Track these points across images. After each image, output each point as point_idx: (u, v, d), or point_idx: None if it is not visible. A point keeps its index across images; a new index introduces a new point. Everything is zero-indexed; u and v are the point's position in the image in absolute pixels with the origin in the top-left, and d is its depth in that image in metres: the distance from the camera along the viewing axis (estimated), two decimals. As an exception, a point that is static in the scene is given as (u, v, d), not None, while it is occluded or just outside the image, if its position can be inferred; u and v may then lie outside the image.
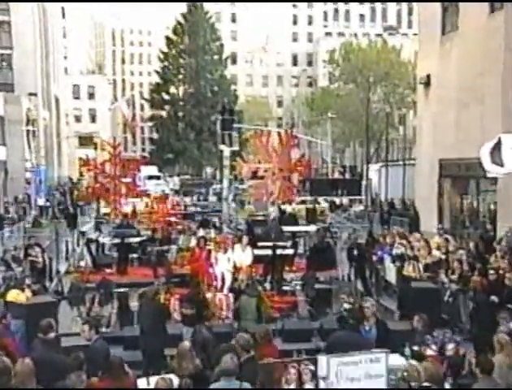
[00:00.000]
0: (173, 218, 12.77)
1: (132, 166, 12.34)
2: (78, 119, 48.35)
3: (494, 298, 6.56)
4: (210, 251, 8.38)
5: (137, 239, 10.49)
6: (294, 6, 57.01)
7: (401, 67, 33.80)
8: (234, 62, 51.48)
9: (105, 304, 7.62)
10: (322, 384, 3.75)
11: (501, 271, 7.03)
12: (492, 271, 6.98)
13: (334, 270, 9.65)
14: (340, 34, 53.17)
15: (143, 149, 60.11)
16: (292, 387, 3.93)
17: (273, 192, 10.66)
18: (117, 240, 10.23)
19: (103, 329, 6.11)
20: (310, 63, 56.32)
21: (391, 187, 21.32)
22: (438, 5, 13.73)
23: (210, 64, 38.57)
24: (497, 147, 7.10)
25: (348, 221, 16.40)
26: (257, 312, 6.39)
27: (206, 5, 40.29)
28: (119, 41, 70.68)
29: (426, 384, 3.64)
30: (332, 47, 39.80)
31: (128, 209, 12.50)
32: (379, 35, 46.44)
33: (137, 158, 28.73)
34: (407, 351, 4.76)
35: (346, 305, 6.22)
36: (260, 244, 8.91)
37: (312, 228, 11.54)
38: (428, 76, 13.98)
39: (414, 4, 35.80)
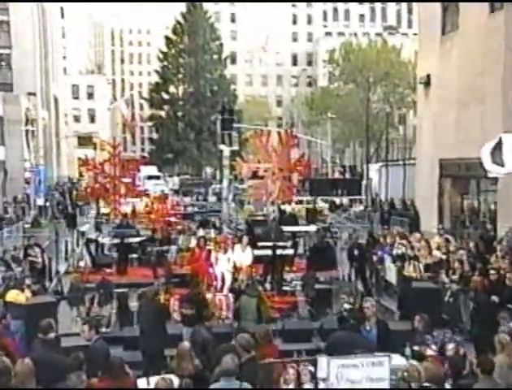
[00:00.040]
0: (173, 219, 12.74)
1: (131, 167, 12.31)
2: (77, 118, 48.31)
3: (495, 298, 6.56)
4: (210, 251, 8.37)
5: (137, 239, 10.47)
6: (294, 5, 56.99)
7: (401, 66, 33.78)
8: (233, 61, 51.45)
9: (104, 304, 7.61)
10: (321, 385, 3.74)
11: (501, 271, 7.03)
12: (492, 271, 6.98)
13: (334, 271, 9.64)
14: (340, 34, 53.15)
15: (142, 149, 60.08)
16: (290, 387, 3.91)
17: (273, 192, 10.65)
18: (117, 240, 10.21)
19: (103, 329, 6.09)
20: (309, 63, 56.30)
21: (391, 187, 21.32)
22: (438, 4, 13.72)
23: (209, 64, 38.54)
24: (498, 147, 7.10)
25: (348, 221, 16.38)
26: (257, 312, 6.37)
27: (206, 4, 40.27)
28: (118, 41, 70.63)
29: (426, 384, 3.62)
30: (332, 47, 39.78)
31: (127, 209, 12.47)
32: (378, 34, 46.43)
33: (137, 158, 28.74)
34: (408, 351, 4.74)
35: (347, 306, 6.21)
36: (260, 244, 8.89)
37: (312, 228, 11.52)
38: (428, 76, 13.97)
39: (414, 4, 35.73)
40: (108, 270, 9.82)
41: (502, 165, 7.10)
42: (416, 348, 4.82)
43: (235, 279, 7.64)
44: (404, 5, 56.09)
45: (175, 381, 3.85)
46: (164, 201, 14.19)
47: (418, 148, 15.92)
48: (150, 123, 43.49)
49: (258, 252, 8.53)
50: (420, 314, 5.18)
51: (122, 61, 70.20)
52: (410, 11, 54.32)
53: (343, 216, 18.76)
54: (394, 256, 8.97)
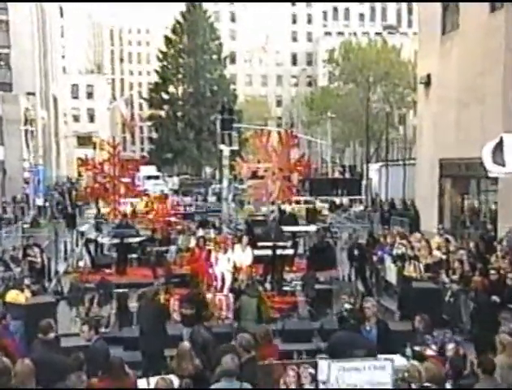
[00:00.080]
0: (173, 219, 12.71)
1: (131, 166, 12.28)
2: (76, 118, 48.26)
3: (495, 298, 6.55)
4: (209, 251, 8.36)
5: (137, 239, 10.45)
6: (293, 5, 56.94)
7: (401, 66, 33.82)
8: (233, 61, 51.40)
9: (104, 304, 7.60)
10: (322, 388, 3.71)
11: (502, 271, 7.02)
12: (493, 271, 6.97)
13: (334, 271, 9.62)
14: (340, 33, 53.15)
15: (142, 149, 60.03)
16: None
17: (273, 192, 10.63)
18: (116, 241, 10.19)
19: (102, 329, 6.06)
20: (309, 63, 56.30)
21: (391, 187, 21.30)
22: (438, 4, 13.71)
23: (209, 64, 38.50)
24: (499, 147, 7.09)
25: (348, 221, 16.36)
26: (257, 312, 6.36)
27: (205, 4, 40.21)
28: (118, 41, 70.55)
29: (427, 385, 3.61)
30: (332, 46, 39.81)
31: (126, 209, 12.43)
32: (378, 34, 46.41)
33: (136, 157, 28.70)
34: (408, 351, 4.73)
35: (347, 306, 6.19)
36: (260, 244, 8.88)
37: (312, 228, 11.51)
38: (428, 76, 13.97)
39: (414, 3, 35.76)
40: (108, 271, 9.79)
41: (503, 165, 7.09)
42: (417, 348, 4.81)
43: (235, 279, 7.63)
44: (404, 4, 56.09)
45: (176, 381, 3.84)
46: (164, 201, 14.16)
47: (418, 148, 15.91)
48: (150, 123, 43.46)
49: (257, 252, 8.52)
50: (421, 314, 5.17)
51: (121, 60, 70.12)
52: (409, 11, 54.34)
53: (343, 216, 18.73)
54: (394, 256, 8.96)
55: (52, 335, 4.36)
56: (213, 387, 3.69)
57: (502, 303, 6.52)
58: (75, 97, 48.20)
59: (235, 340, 4.35)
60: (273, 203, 11.74)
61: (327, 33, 55.72)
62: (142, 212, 13.17)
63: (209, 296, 7.07)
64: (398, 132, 34.40)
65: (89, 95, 48.76)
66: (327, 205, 20.57)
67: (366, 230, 11.89)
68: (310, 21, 57.81)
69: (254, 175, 12.16)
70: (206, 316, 5.98)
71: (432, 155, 13.87)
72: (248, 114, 40.65)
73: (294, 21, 57.78)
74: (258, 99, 51.40)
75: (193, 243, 9.67)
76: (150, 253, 10.04)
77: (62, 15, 46.37)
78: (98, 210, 13.16)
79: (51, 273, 9.64)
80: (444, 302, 7.20)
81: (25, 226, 15.49)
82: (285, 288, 8.66)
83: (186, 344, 4.39)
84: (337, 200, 22.63)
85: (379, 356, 4.24)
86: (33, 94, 29.12)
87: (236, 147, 13.33)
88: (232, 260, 7.95)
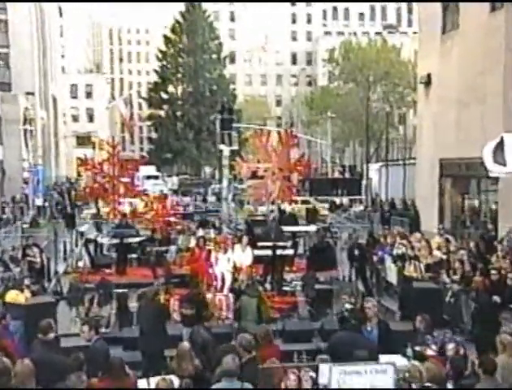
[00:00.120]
0: (172, 218, 12.69)
1: (130, 166, 12.25)
2: (76, 118, 48.20)
3: (496, 298, 6.55)
4: (209, 251, 8.34)
5: (136, 239, 10.43)
6: (293, 4, 56.90)
7: (401, 66, 33.82)
8: (233, 61, 51.35)
9: (104, 304, 7.58)
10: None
11: (502, 271, 7.01)
12: (494, 271, 6.96)
13: (334, 271, 9.60)
14: (340, 33, 53.13)
15: (141, 149, 60.00)
16: None
17: (273, 192, 10.61)
18: (116, 241, 10.16)
19: (102, 330, 6.04)
20: (309, 62, 56.29)
21: (391, 187, 21.28)
22: (438, 4, 13.70)
23: (208, 63, 38.46)
24: (500, 147, 7.08)
25: (348, 221, 16.34)
26: (257, 312, 6.34)
27: (205, 4, 40.17)
28: (117, 40, 70.48)
29: (428, 385, 3.59)
30: (332, 46, 39.78)
31: (124, 209, 12.39)
32: (378, 34, 46.40)
33: (136, 157, 28.66)
34: (409, 352, 4.72)
35: (348, 306, 6.18)
36: (260, 244, 8.86)
37: (312, 228, 11.49)
38: (429, 75, 13.96)
39: (414, 3, 35.75)
40: (107, 271, 9.77)
41: (504, 164, 7.08)
42: (417, 348, 4.79)
43: (235, 280, 7.61)
44: (404, 4, 56.09)
45: (176, 381, 3.83)
46: (164, 201, 14.14)
47: (418, 147, 15.90)
48: (149, 123, 43.42)
49: (257, 252, 8.50)
50: (422, 314, 5.15)
51: (120, 60, 70.06)
52: (409, 10, 54.35)
53: (343, 216, 18.70)
54: (395, 256, 8.94)
55: (52, 335, 4.35)
56: (213, 387, 3.68)
57: (503, 303, 6.52)
58: (75, 97, 48.14)
59: (235, 340, 4.33)
60: (273, 203, 11.72)
61: (327, 33, 55.70)
62: (141, 212, 13.15)
63: (209, 296, 7.06)
64: (398, 131, 34.40)
65: (88, 95, 48.70)
66: (326, 205, 20.51)
67: (366, 230, 11.86)
68: (309, 21, 57.78)
69: (254, 175, 12.14)
70: (205, 316, 5.97)
71: (432, 155, 13.86)
72: (247, 113, 40.63)
73: (294, 21, 57.75)
74: (258, 99, 51.37)
75: (192, 243, 9.65)
76: (150, 253, 10.02)
77: (61, 14, 46.26)
78: (98, 209, 13.12)
79: (51, 273, 9.61)
80: (445, 302, 7.18)
81: (24, 226, 15.44)
82: (285, 288, 8.65)
83: (186, 344, 4.37)
84: (337, 200, 22.58)
85: (380, 356, 4.24)
86: (32, 94, 29.05)
87: (235, 147, 13.31)
88: (232, 260, 7.93)
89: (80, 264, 10.38)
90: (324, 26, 57.58)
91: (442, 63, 13.40)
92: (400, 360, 4.43)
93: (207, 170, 40.71)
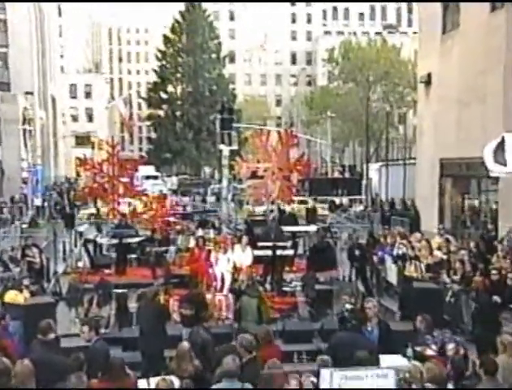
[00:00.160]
0: (172, 219, 12.66)
1: (129, 166, 12.22)
2: (75, 118, 48.14)
3: (497, 298, 6.53)
4: (209, 251, 8.32)
5: (135, 239, 10.40)
6: (293, 4, 56.87)
7: (401, 65, 33.82)
8: (232, 60, 51.30)
9: (103, 305, 7.56)
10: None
11: (503, 271, 7.00)
12: (494, 271, 6.95)
13: (334, 271, 9.58)
14: (340, 33, 53.11)
15: (140, 149, 59.99)
16: None
17: (272, 191, 10.59)
18: (115, 241, 10.14)
19: (102, 330, 6.01)
20: (309, 62, 56.27)
21: (391, 186, 21.25)
22: (438, 3, 13.68)
23: (208, 63, 38.42)
24: (501, 146, 7.06)
25: (348, 221, 16.32)
26: (257, 313, 6.32)
27: (205, 3, 40.13)
28: (116, 40, 70.44)
29: (428, 385, 3.57)
30: (331, 46, 39.73)
31: (123, 209, 12.36)
32: (378, 33, 46.40)
33: (135, 157, 28.61)
34: (410, 352, 4.71)
35: (348, 306, 6.16)
36: (260, 244, 8.84)
37: (312, 228, 11.47)
38: (429, 75, 13.95)
39: (414, 3, 35.75)
40: (107, 271, 9.74)
41: (505, 164, 7.06)
42: (418, 348, 4.78)
43: (235, 280, 7.59)
44: (404, 4, 56.08)
45: (176, 382, 3.81)
46: (163, 201, 14.12)
47: (418, 147, 15.89)
48: (148, 123, 43.37)
49: (257, 252, 8.48)
50: (422, 314, 5.13)
51: (120, 60, 70.01)
52: (409, 10, 54.35)
53: (343, 216, 18.67)
54: (395, 256, 8.93)
55: (52, 335, 4.33)
56: (214, 387, 3.66)
57: (503, 303, 6.50)
58: (74, 97, 48.08)
59: (235, 340, 4.31)
60: (273, 203, 11.69)
61: (327, 32, 55.69)
62: (140, 212, 13.13)
63: (208, 296, 7.03)
64: (398, 131, 34.39)
65: (88, 95, 48.64)
66: (324, 206, 20.46)
67: (366, 230, 11.84)
68: (309, 20, 57.77)
69: (254, 175, 12.12)
70: (205, 317, 5.94)
71: (433, 155, 13.84)
72: (247, 113, 40.60)
73: (294, 20, 57.73)
74: (258, 98, 51.36)
75: (192, 243, 9.63)
76: (150, 254, 9.99)
77: (60, 14, 46.23)
78: (98, 210, 13.09)
79: (50, 273, 9.58)
80: (445, 302, 7.16)
81: (23, 226, 15.41)
82: (285, 289, 8.63)
83: (185, 344, 4.35)
84: (337, 200, 22.54)
85: (380, 357, 4.23)
86: (31, 94, 28.99)
87: (235, 147, 13.28)
88: (232, 260, 7.91)
89: (80, 264, 10.35)
90: (324, 26, 57.57)
91: (442, 63, 13.38)
92: (400, 360, 4.44)
93: (207, 170, 40.68)
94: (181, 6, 39.34)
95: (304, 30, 57.74)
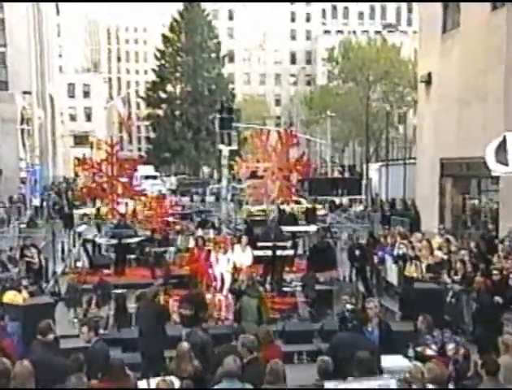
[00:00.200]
0: (171, 219, 12.62)
1: (128, 166, 12.16)
2: (73, 117, 48.01)
3: (498, 299, 6.50)
4: (209, 251, 8.28)
5: (135, 239, 10.36)
6: (292, 3, 56.81)
7: (401, 65, 33.76)
8: (231, 60, 51.21)
9: (102, 305, 7.51)
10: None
11: (504, 272, 6.97)
12: (495, 272, 6.92)
13: (334, 271, 9.55)
14: (339, 32, 53.06)
15: (139, 149, 59.88)
16: None
17: (272, 191, 10.56)
18: (114, 241, 10.09)
19: (101, 331, 5.97)
20: (308, 61, 56.22)
21: (391, 186, 21.22)
22: (439, 2, 13.64)
23: (207, 62, 38.34)
24: (502, 146, 7.04)
25: (348, 221, 16.29)
26: (258, 313, 6.28)
27: (203, 2, 40.04)
28: (115, 39, 70.29)
29: (429, 386, 3.54)
30: (331, 45, 39.63)
31: (120, 209, 12.31)
32: (378, 32, 46.33)
33: (134, 157, 28.49)
34: (410, 352, 4.68)
35: (349, 306, 6.13)
36: (260, 244, 8.81)
37: (312, 228, 11.43)
38: (429, 74, 13.91)
39: (414, 2, 35.72)
40: (106, 271, 9.70)
41: (506, 164, 7.04)
42: (418, 349, 4.75)
43: (234, 280, 7.55)
44: (403, 3, 56.02)
45: (176, 382, 3.79)
46: (162, 201, 14.07)
47: (418, 147, 15.85)
48: (147, 122, 43.30)
49: (257, 252, 8.46)
50: (423, 314, 5.10)
51: (118, 59, 69.86)
52: (409, 10, 54.33)
53: (343, 216, 18.64)
54: (395, 256, 8.90)
55: (51, 336, 4.30)
56: (214, 387, 3.63)
57: (505, 304, 6.47)
58: (72, 96, 47.94)
59: (235, 341, 4.28)
60: (272, 203, 11.66)
61: (326, 32, 55.63)
62: (139, 212, 13.06)
63: (208, 296, 7.00)
64: (398, 131, 34.36)
65: (86, 94, 48.51)
66: (319, 206, 20.38)
67: (367, 230, 11.82)
68: (308, 19, 57.70)
69: (253, 175, 12.08)
70: (204, 317, 5.90)
71: (433, 155, 13.81)
72: (246, 113, 40.51)
73: (293, 19, 57.66)
74: (257, 98, 51.27)
75: (191, 243, 9.59)
76: (149, 254, 9.95)
77: (58, 13, 46.05)
78: (98, 210, 13.04)
79: (48, 274, 9.53)
80: (446, 303, 7.13)
81: (22, 226, 15.35)
82: (285, 289, 8.60)
83: (185, 344, 4.32)
84: (337, 200, 22.50)
85: (381, 357, 4.19)
86: (30, 93, 28.87)
87: (235, 146, 13.24)
88: (232, 260, 7.87)
89: (79, 264, 10.31)
90: (324, 25, 57.52)
91: (443, 62, 13.35)
92: (401, 361, 4.41)
93: (205, 170, 40.62)
94: (180, 5, 39.26)
95: (303, 29, 57.67)
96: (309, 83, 52.95)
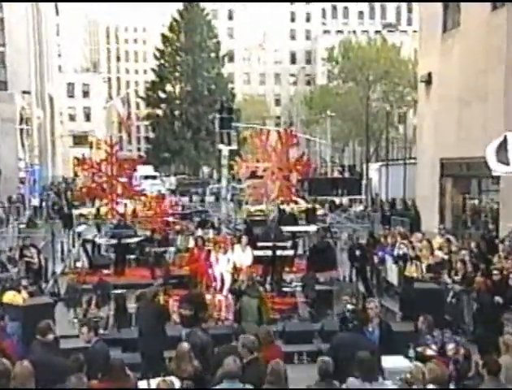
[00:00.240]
0: (171, 219, 12.60)
1: (128, 166, 12.14)
2: (72, 117, 47.99)
3: (498, 299, 6.50)
4: (209, 251, 8.27)
5: (134, 239, 10.34)
6: (292, 3, 56.80)
7: (401, 65, 33.74)
8: (231, 59, 51.15)
9: (102, 305, 7.49)
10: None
11: (504, 272, 6.96)
12: (496, 272, 6.91)
13: (334, 271, 9.54)
14: (339, 32, 53.03)
15: (138, 149, 59.86)
16: None
17: (272, 191, 10.55)
18: (114, 241, 10.07)
19: (101, 331, 5.96)
20: (308, 61, 56.22)
21: (391, 186, 21.21)
22: (439, 2, 13.63)
23: (206, 62, 38.31)
24: (503, 145, 7.03)
25: (348, 221, 16.27)
26: (258, 314, 6.27)
27: (203, 2, 40.02)
28: (114, 39, 70.24)
29: (430, 386, 3.53)
30: (331, 45, 39.59)
31: (120, 209, 12.28)
32: (378, 32, 46.30)
33: (134, 157, 28.46)
34: (411, 352, 4.68)
35: (349, 306, 6.13)
36: (260, 244, 8.80)
37: (312, 228, 11.42)
38: (429, 74, 13.91)
39: (414, 2, 35.71)
40: (105, 271, 9.68)
41: (507, 163, 7.04)
42: (420, 349, 4.74)
43: (234, 280, 7.54)
44: (403, 3, 56.02)
45: (176, 383, 3.78)
46: (162, 201, 14.04)
47: (418, 147, 15.86)
48: (147, 122, 43.24)
49: (257, 252, 8.45)
50: (424, 315, 5.10)
51: (118, 59, 69.82)
52: (409, 9, 54.33)
53: (343, 216, 18.62)
54: (395, 256, 8.89)
55: (51, 336, 4.29)
56: (214, 388, 3.62)
57: (505, 304, 6.47)
58: (71, 96, 47.91)
59: (235, 341, 4.27)
60: (273, 202, 11.63)
61: (326, 31, 55.61)
62: (138, 212, 13.02)
63: (208, 296, 6.98)
64: (398, 131, 34.35)
65: (85, 94, 48.47)
66: (317, 206, 20.35)
67: (367, 230, 11.80)
68: (308, 19, 57.68)
69: (253, 175, 12.06)
70: (204, 317, 5.89)
71: (433, 154, 13.81)
72: (246, 113, 40.50)
73: (293, 19, 57.64)
74: (257, 98, 51.25)
75: (191, 243, 9.57)
76: (149, 254, 9.93)
77: (57, 13, 46.00)
78: (98, 210, 13.01)
79: (48, 274, 9.51)
80: (447, 303, 7.12)
81: (21, 226, 15.33)
82: (285, 289, 8.59)
83: (185, 344, 4.31)
84: (337, 200, 22.49)
85: (382, 357, 4.18)
86: (29, 93, 28.83)
87: (234, 146, 13.23)
88: (232, 260, 7.86)
89: (78, 265, 10.29)
90: (323, 24, 57.50)
91: (443, 62, 13.34)
92: (402, 361, 4.40)
93: (205, 170, 40.60)
94: (179, 4, 39.22)
95: (303, 29, 57.65)
96: (309, 83, 52.92)
